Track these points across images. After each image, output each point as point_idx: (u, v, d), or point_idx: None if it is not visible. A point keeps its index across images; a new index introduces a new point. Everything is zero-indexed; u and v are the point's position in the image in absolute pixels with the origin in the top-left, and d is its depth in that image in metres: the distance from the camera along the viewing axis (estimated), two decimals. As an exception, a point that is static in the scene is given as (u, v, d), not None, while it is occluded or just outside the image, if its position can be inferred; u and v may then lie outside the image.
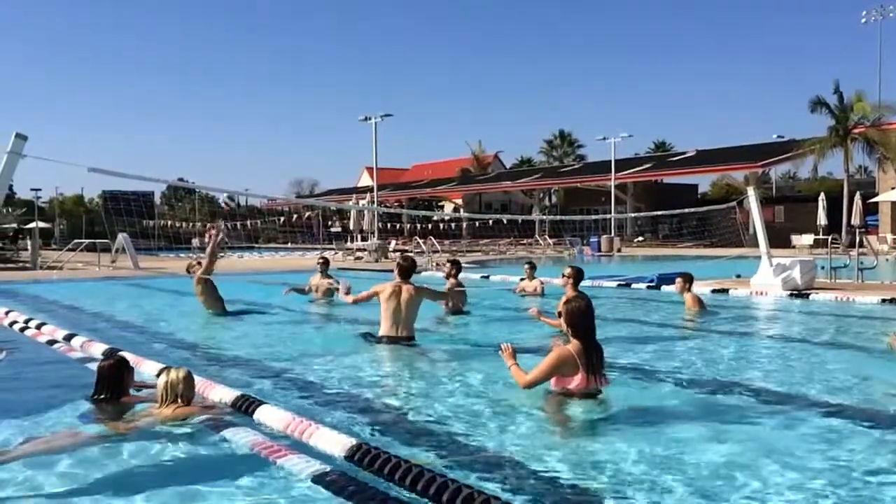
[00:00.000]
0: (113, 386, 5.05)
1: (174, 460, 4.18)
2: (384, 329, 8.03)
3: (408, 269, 8.30)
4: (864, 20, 46.37)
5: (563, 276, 8.92)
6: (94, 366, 6.49)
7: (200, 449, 4.35)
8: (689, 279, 11.10)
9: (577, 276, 8.73)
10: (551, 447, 4.43)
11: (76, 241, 27.99)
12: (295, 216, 49.19)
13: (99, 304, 13.30)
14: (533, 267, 14.16)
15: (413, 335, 8.09)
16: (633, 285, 15.41)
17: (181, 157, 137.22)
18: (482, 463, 4.10)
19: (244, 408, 4.91)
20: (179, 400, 4.72)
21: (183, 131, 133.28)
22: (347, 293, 8.73)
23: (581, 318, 5.30)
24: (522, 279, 14.90)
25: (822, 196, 38.25)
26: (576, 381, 5.21)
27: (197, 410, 4.81)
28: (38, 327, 9.08)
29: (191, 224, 49.54)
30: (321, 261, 13.28)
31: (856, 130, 36.60)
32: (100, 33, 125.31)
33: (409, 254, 11.82)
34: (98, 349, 7.32)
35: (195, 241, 43.58)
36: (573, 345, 5.27)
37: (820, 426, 4.83)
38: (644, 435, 4.60)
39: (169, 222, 49.44)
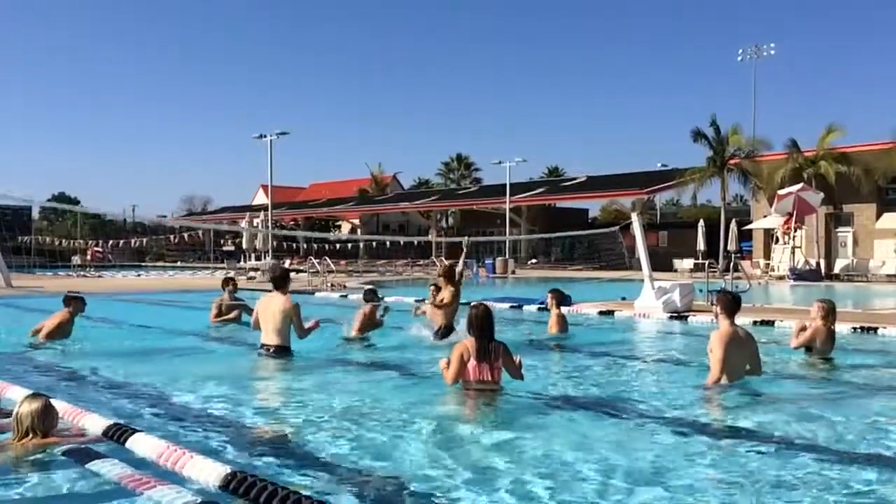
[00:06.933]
0: None
1: (31, 497, 3.90)
2: (261, 337, 8.32)
3: (275, 280, 8.55)
4: (739, 58, 49.63)
5: None
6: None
7: (61, 483, 4.08)
8: (559, 297, 11.27)
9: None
10: (432, 466, 4.46)
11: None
12: (186, 234, 47.47)
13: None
14: (438, 289, 14.19)
15: (285, 345, 8.19)
16: (525, 307, 15.73)
17: (65, 171, 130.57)
18: (366, 487, 4.06)
19: (116, 437, 4.67)
20: (33, 433, 4.45)
21: (68, 144, 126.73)
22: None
23: (475, 322, 6.28)
24: (419, 301, 14.93)
25: (701, 223, 40.42)
26: (469, 370, 6.12)
27: (56, 441, 4.52)
28: None
29: (72, 241, 47.09)
30: (230, 284, 12.42)
31: (732, 162, 38.81)
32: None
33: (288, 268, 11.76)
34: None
35: (76, 259, 41.40)
36: (468, 340, 6.27)
37: (677, 434, 5.23)
38: (518, 446, 4.85)
39: (47, 238, 46.85)
